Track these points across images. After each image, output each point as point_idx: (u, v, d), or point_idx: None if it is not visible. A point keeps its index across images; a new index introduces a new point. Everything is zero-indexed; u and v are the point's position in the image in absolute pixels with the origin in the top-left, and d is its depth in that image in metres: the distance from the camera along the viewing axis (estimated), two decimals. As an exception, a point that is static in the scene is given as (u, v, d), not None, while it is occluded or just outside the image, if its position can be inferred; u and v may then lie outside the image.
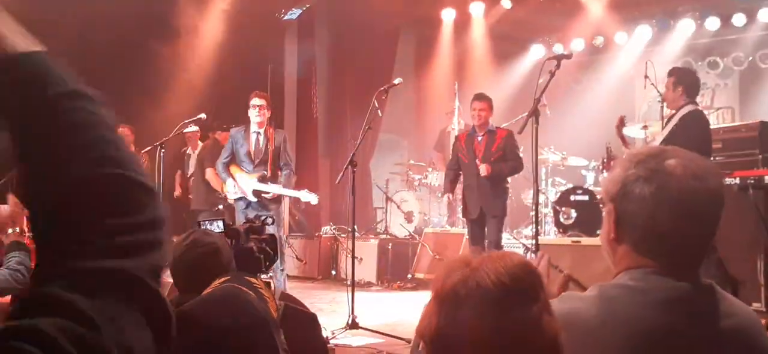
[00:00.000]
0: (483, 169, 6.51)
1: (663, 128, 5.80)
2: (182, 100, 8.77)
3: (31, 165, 0.75)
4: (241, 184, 6.59)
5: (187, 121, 6.66)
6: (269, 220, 3.70)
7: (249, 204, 6.53)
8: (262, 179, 6.53)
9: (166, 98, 8.87)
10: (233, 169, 6.68)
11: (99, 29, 7.37)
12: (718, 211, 1.42)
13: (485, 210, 6.64)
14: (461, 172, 6.95)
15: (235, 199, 6.70)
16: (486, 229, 6.66)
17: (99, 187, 0.74)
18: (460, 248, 8.10)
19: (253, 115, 6.55)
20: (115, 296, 0.70)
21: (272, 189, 6.51)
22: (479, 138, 6.73)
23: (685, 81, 5.65)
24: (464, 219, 7.33)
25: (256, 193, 6.53)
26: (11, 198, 3.51)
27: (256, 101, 6.56)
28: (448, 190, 7.11)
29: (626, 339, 1.35)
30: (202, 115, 6.66)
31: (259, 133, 6.63)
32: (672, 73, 5.83)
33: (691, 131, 5.41)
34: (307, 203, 6.90)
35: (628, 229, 1.44)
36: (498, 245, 6.57)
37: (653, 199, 1.39)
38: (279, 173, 6.61)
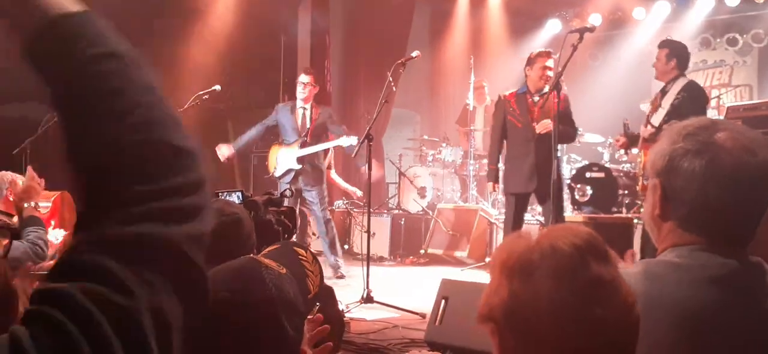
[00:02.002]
0: (541, 127, 5.76)
1: (656, 104, 5.72)
2: (196, 72, 8.71)
3: (69, 128, 0.73)
4: (283, 160, 7.07)
5: (201, 92, 6.64)
6: (288, 193, 3.68)
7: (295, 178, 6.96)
8: (303, 145, 7.01)
9: (180, 70, 8.81)
10: (275, 147, 7.21)
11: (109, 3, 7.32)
12: None
13: (542, 188, 5.75)
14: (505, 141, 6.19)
15: (279, 176, 7.14)
16: (542, 209, 6.05)
17: (134, 151, 0.72)
18: (474, 224, 8.07)
19: (299, 91, 7.12)
20: (148, 263, 0.69)
21: (314, 148, 7.01)
22: (535, 98, 5.94)
23: (678, 53, 5.64)
24: (504, 197, 6.66)
25: (299, 169, 7.04)
26: (29, 170, 3.50)
27: (302, 78, 7.17)
28: (495, 162, 6.33)
29: (672, 316, 1.30)
30: (217, 87, 6.66)
31: (304, 108, 7.15)
32: (665, 44, 5.81)
33: (699, 102, 5.43)
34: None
35: (676, 205, 1.38)
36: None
37: (703, 174, 1.33)
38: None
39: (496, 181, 6.51)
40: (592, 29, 5.48)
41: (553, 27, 11.14)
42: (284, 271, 1.68)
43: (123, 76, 0.75)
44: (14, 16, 0.74)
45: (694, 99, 5.47)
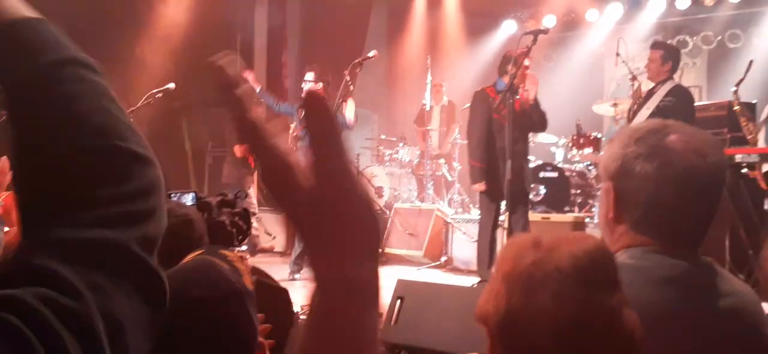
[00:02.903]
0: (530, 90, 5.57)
1: (640, 102, 5.81)
2: (149, 71, 8.58)
3: (23, 130, 0.73)
4: None
5: (154, 90, 6.52)
6: (242, 194, 3.62)
7: None
8: None
9: (133, 68, 8.66)
10: None
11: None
12: (720, 187, 1.39)
13: (526, 187, 5.72)
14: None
15: None
16: (510, 217, 5.45)
17: (88, 156, 0.73)
18: (430, 224, 8.09)
19: (304, 88, 6.99)
20: (101, 266, 0.68)
21: None
22: (514, 98, 5.71)
23: (673, 56, 5.75)
24: (480, 202, 6.31)
25: None
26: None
27: (306, 75, 7.02)
28: (484, 160, 5.95)
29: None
30: (171, 85, 6.54)
31: None
32: (661, 46, 5.88)
33: (685, 109, 5.53)
34: None
35: (628, 208, 1.40)
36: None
37: (656, 177, 1.35)
38: None
39: (482, 180, 6.04)
40: (545, 31, 5.55)
41: (508, 28, 11.26)
42: (227, 266, 1.67)
43: (80, 82, 0.75)
44: None
45: (683, 102, 5.57)
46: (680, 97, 5.59)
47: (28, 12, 0.76)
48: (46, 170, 0.72)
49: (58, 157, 0.72)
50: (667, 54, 5.73)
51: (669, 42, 8.12)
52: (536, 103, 5.78)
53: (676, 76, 5.62)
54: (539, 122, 5.84)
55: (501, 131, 5.76)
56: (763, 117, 5.15)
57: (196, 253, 2.34)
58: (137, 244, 0.71)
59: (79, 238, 0.68)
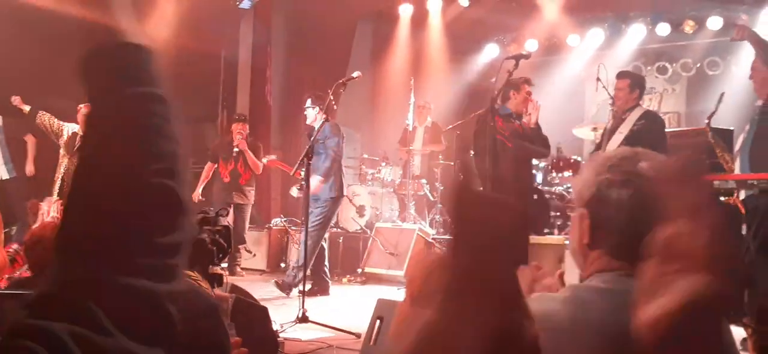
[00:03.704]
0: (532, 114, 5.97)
1: (613, 129, 5.89)
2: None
3: (98, 150, 0.75)
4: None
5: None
6: (224, 212, 3.62)
7: None
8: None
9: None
10: None
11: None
12: None
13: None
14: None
15: None
16: None
17: (153, 196, 0.74)
18: (411, 244, 8.11)
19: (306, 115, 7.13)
20: (131, 312, 0.70)
21: None
22: (518, 122, 6.30)
23: (641, 84, 5.90)
24: None
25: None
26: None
27: (306, 102, 7.12)
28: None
29: (599, 340, 1.33)
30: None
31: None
32: (627, 75, 6.01)
33: (658, 133, 5.64)
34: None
35: (603, 234, 1.42)
36: None
37: (630, 204, 1.38)
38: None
39: None
40: (527, 56, 5.63)
41: (491, 51, 11.37)
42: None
43: (164, 121, 0.77)
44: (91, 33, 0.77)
45: (655, 127, 5.73)
46: (651, 123, 5.72)
47: (137, 39, 0.79)
48: (111, 197, 0.73)
49: (125, 188, 0.73)
50: (634, 82, 5.91)
51: (637, 69, 8.24)
52: (538, 128, 5.99)
53: (655, 103, 5.76)
54: (541, 146, 6.13)
55: (505, 153, 5.97)
56: (737, 146, 5.23)
57: None
58: (167, 297, 0.74)
59: (125, 284, 0.70)
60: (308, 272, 6.75)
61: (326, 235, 7.17)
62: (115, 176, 0.73)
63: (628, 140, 5.53)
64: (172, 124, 0.78)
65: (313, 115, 7.02)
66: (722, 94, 5.90)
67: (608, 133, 5.89)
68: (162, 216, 0.74)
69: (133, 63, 0.78)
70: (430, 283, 1.08)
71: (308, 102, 7.10)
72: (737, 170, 5.12)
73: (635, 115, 5.74)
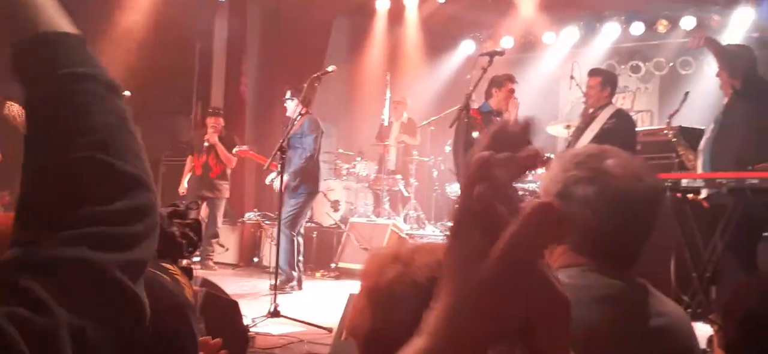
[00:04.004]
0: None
1: (583, 126, 5.95)
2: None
3: (32, 138, 0.75)
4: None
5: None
6: (194, 205, 3.59)
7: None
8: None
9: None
10: None
11: None
12: (656, 210, 1.44)
13: None
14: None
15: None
16: None
17: (83, 171, 0.73)
18: (385, 239, 8.11)
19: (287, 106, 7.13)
20: (77, 288, 0.68)
21: None
22: (498, 118, 6.20)
23: (611, 82, 5.94)
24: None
25: None
26: None
27: (286, 95, 7.11)
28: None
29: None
30: (126, 93, 6.45)
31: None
32: (599, 73, 6.05)
33: (628, 131, 5.69)
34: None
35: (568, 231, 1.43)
36: None
37: (596, 200, 1.39)
38: None
39: None
40: (501, 53, 5.66)
41: (466, 48, 11.40)
42: (169, 279, 1.65)
43: (93, 97, 0.76)
44: (7, 26, 0.78)
45: (625, 126, 5.77)
46: (622, 121, 5.77)
47: (64, 25, 0.79)
48: (41, 180, 0.73)
49: (53, 167, 0.72)
50: (605, 80, 5.95)
51: (611, 67, 8.32)
52: None
53: (629, 101, 5.82)
54: None
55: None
56: (700, 146, 5.30)
57: None
58: (119, 267, 0.71)
59: (61, 256, 0.68)
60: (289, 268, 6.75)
61: (302, 231, 7.14)
62: (45, 155, 0.73)
63: (598, 138, 5.57)
64: (106, 98, 0.78)
65: (292, 107, 6.97)
66: (686, 94, 6.02)
67: (578, 131, 5.94)
68: (96, 187, 0.73)
69: (63, 48, 0.77)
70: (384, 277, 1.09)
71: (288, 94, 7.07)
72: (699, 169, 5.19)
73: (606, 113, 5.79)
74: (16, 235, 0.71)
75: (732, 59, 5.11)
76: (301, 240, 7.06)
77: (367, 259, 1.17)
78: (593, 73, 6.09)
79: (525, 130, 0.55)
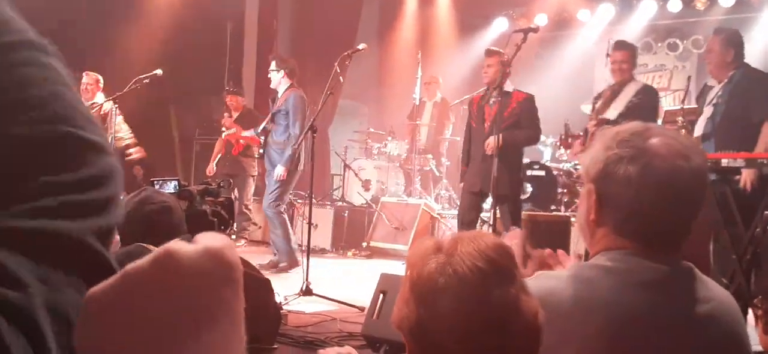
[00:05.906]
0: (487, 147, 5.62)
1: (607, 100, 5.82)
2: (138, 56, 8.49)
3: None
4: None
5: (141, 76, 6.49)
6: (225, 183, 3.60)
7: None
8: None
9: (121, 54, 8.58)
10: None
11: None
12: (703, 190, 1.38)
13: (485, 188, 5.72)
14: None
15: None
16: (496, 213, 5.56)
17: (39, 143, 0.69)
18: (416, 219, 8.08)
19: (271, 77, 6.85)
20: (51, 258, 0.65)
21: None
22: (491, 101, 5.84)
23: (636, 57, 5.85)
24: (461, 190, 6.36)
25: None
26: None
27: (271, 65, 6.82)
28: (465, 163, 6.12)
29: (602, 319, 1.30)
30: (158, 71, 6.51)
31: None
32: (625, 47, 5.86)
33: (656, 106, 5.72)
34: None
35: (610, 211, 1.38)
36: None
37: (638, 180, 1.33)
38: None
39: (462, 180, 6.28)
40: (536, 29, 5.54)
41: (500, 25, 11.23)
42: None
43: (35, 67, 0.71)
44: None
45: (650, 102, 5.66)
46: (648, 97, 5.63)
47: None
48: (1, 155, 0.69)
49: (7, 143, 0.68)
50: (632, 55, 5.78)
51: (647, 45, 8.19)
52: (522, 120, 5.92)
53: (665, 80, 5.70)
54: (515, 138, 5.87)
55: (471, 133, 6.04)
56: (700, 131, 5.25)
57: (122, 249, 2.33)
58: (92, 235, 0.69)
59: (29, 227, 0.65)
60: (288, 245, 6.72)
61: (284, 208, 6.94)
62: None
63: (626, 113, 5.43)
64: (48, 65, 0.73)
65: (277, 78, 6.72)
66: (689, 78, 5.98)
67: (603, 106, 5.81)
68: (60, 157, 0.69)
69: None
70: (427, 268, 1.09)
71: (272, 64, 6.78)
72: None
73: (633, 87, 5.65)
74: None
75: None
76: (286, 216, 6.90)
77: (410, 249, 1.19)
78: (619, 45, 5.90)
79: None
